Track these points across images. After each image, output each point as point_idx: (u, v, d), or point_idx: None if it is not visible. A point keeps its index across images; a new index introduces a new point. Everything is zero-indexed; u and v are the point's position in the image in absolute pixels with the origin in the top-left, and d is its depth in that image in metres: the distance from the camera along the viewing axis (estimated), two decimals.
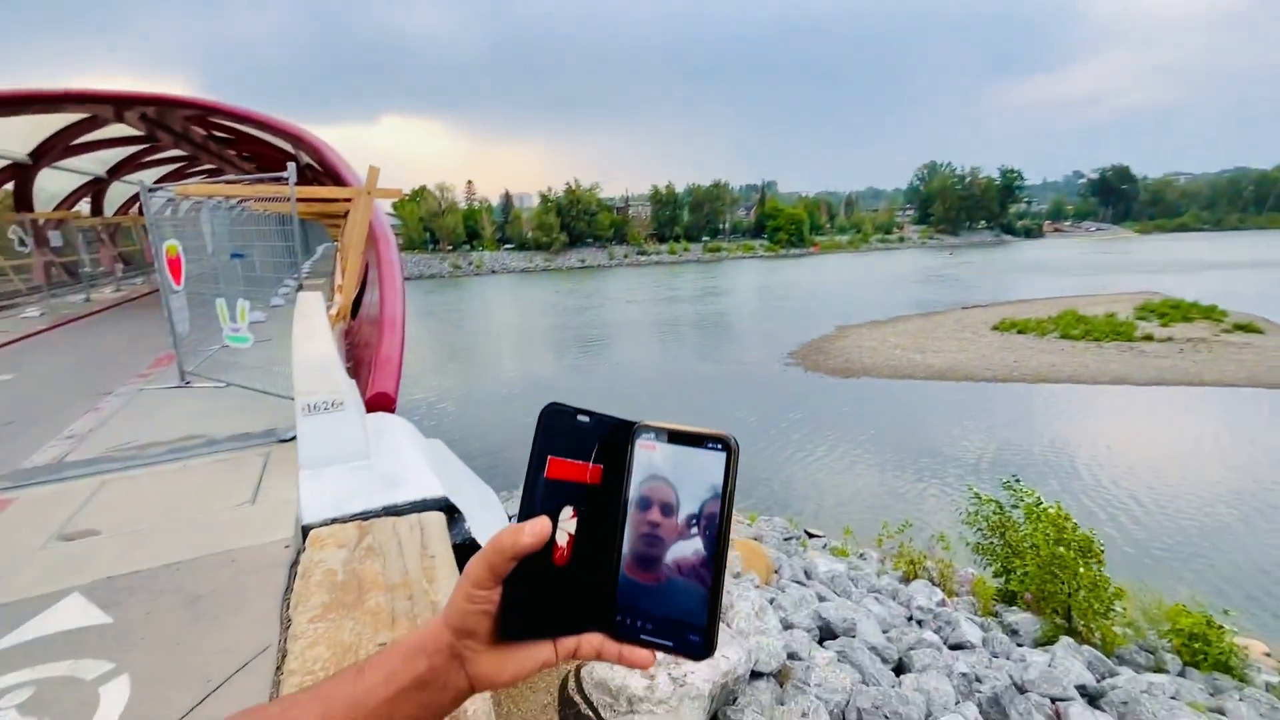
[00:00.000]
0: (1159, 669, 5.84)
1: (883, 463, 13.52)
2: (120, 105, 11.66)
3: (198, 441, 4.34)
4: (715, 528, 0.49)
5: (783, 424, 16.02)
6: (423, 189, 73.73)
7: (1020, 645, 5.96)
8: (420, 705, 0.46)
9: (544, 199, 76.94)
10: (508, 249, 73.34)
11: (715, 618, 0.49)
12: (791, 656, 3.63)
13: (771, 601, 4.59)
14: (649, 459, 0.51)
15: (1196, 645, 5.94)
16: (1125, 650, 6.13)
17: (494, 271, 66.46)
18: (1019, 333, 25.07)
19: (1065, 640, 5.79)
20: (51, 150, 13.61)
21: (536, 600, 0.49)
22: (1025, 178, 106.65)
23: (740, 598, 3.65)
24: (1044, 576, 6.47)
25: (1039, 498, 7.27)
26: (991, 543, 7.57)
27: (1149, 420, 15.61)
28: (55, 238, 14.70)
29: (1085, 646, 5.74)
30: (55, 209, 15.57)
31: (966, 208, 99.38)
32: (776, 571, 6.34)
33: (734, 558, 5.65)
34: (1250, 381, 17.77)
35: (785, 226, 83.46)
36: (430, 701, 0.47)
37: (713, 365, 22.94)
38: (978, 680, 4.55)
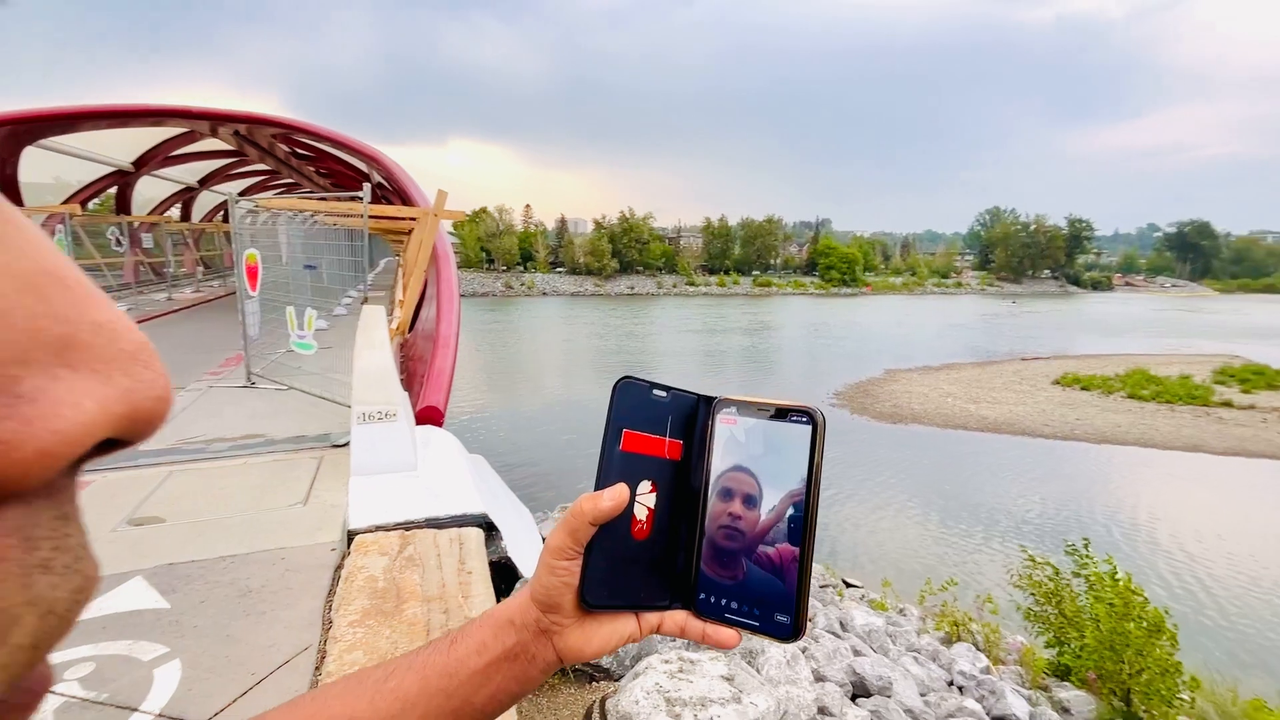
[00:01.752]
0: None
1: (928, 515, 13.00)
2: (215, 121, 12.60)
3: (258, 440, 4.56)
4: (803, 504, 0.47)
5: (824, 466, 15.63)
6: (483, 210, 76.47)
7: None
8: (510, 677, 0.48)
9: (598, 226, 78.51)
10: (559, 272, 74.92)
11: (804, 598, 0.47)
12: (822, 711, 3.49)
13: (804, 650, 4.44)
14: (730, 434, 0.50)
15: None
16: None
17: (545, 293, 67.87)
18: (1082, 389, 23.90)
19: None
20: (152, 160, 14.78)
21: (617, 572, 0.48)
22: (1095, 228, 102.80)
23: (772, 644, 3.55)
24: (1104, 653, 6.05)
25: (1114, 566, 6.82)
26: (1045, 611, 7.13)
27: (1225, 493, 14.53)
28: (147, 240, 15.84)
29: None
30: (149, 213, 16.82)
31: (1030, 256, 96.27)
32: (811, 620, 6.13)
33: None
34: None
35: (837, 265, 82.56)
36: (520, 674, 0.48)
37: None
38: None
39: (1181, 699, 5.82)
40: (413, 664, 0.48)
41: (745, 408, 0.51)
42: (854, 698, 4.21)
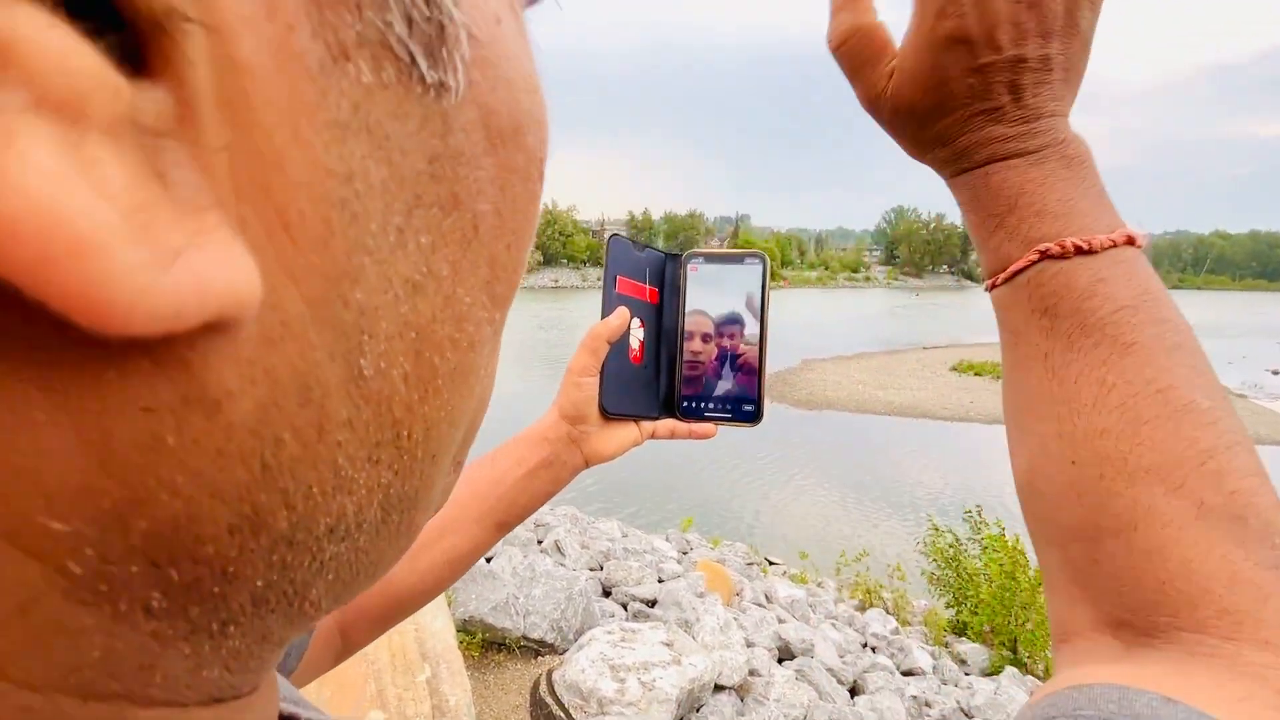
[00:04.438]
0: None
1: (843, 494, 13.85)
2: None
3: None
4: (758, 322, 0.63)
5: (745, 451, 16.27)
6: None
7: (968, 674, 6.16)
8: (545, 480, 0.58)
9: None
10: None
11: (763, 392, 0.63)
12: (752, 673, 3.74)
13: (735, 620, 4.71)
14: (699, 277, 0.64)
15: None
16: None
17: None
18: (975, 374, 26.05)
19: (1010, 671, 6.02)
20: None
21: (623, 388, 0.61)
22: None
23: (706, 613, 3.75)
24: (995, 607, 6.74)
25: (1003, 528, 7.55)
26: (946, 574, 7.83)
27: None
28: None
29: (1029, 677, 5.97)
30: None
31: (930, 252, 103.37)
32: (738, 594, 6.45)
33: (698, 578, 5.75)
34: None
35: None
36: (553, 477, 0.58)
37: None
38: (927, 705, 4.72)
39: None
40: (463, 478, 0.56)
41: (710, 257, 0.65)
42: (780, 660, 4.50)
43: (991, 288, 0.37)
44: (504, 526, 0.57)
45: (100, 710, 0.11)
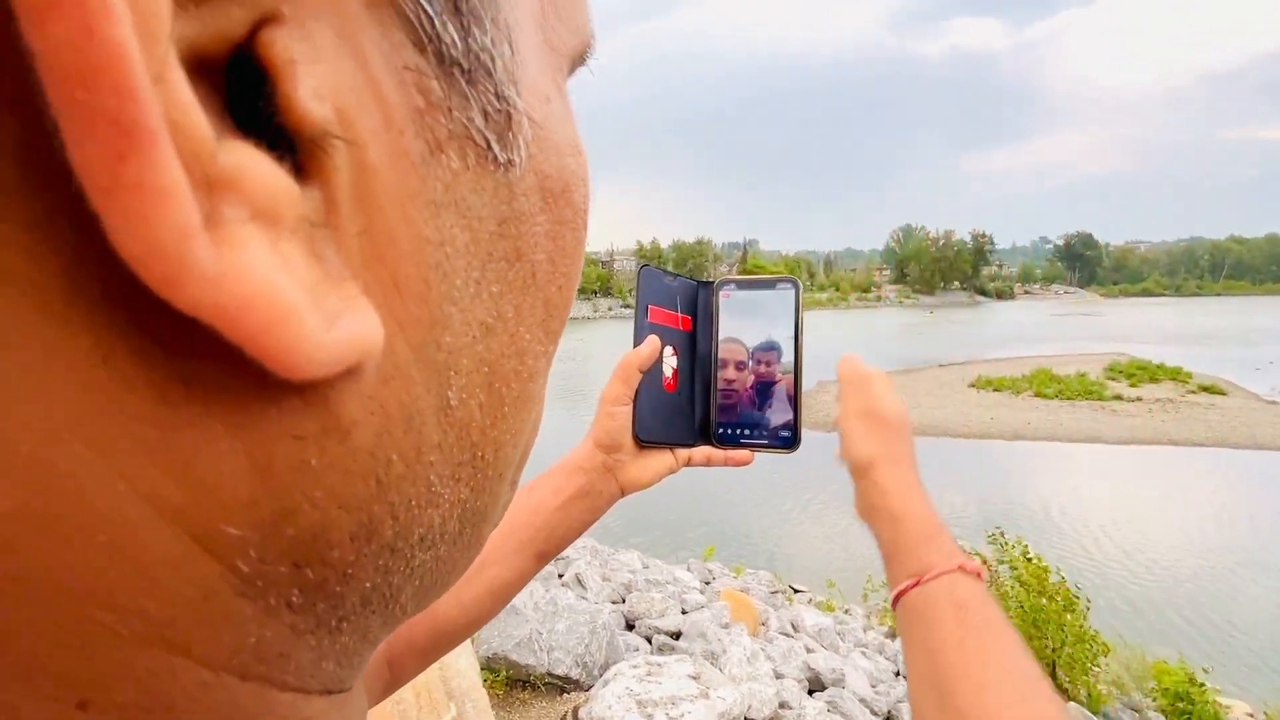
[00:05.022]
0: None
1: None
2: None
3: None
4: (793, 348, 0.61)
5: (764, 476, 16.08)
6: None
7: None
8: (582, 510, 0.58)
9: None
10: None
11: (799, 417, 0.61)
12: (783, 705, 3.64)
13: (762, 650, 4.60)
14: (732, 304, 0.63)
15: (1182, 705, 5.98)
16: (1110, 708, 6.14)
17: None
18: (994, 390, 25.67)
19: None
20: None
21: (657, 416, 0.60)
22: (995, 242, 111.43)
23: (733, 644, 3.68)
24: (1028, 630, 6.52)
25: (1025, 547, 7.36)
26: None
27: (1121, 477, 15.95)
28: None
29: (1071, 703, 5.74)
30: None
31: (941, 269, 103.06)
32: (764, 623, 6.32)
33: (722, 608, 5.65)
34: (1217, 441, 18.30)
35: None
36: (590, 506, 0.59)
37: None
38: None
39: (1099, 666, 6.34)
40: None
41: (742, 283, 0.64)
42: (811, 691, 4.38)
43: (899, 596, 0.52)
44: (544, 556, 0.58)
45: (252, 689, 0.13)
